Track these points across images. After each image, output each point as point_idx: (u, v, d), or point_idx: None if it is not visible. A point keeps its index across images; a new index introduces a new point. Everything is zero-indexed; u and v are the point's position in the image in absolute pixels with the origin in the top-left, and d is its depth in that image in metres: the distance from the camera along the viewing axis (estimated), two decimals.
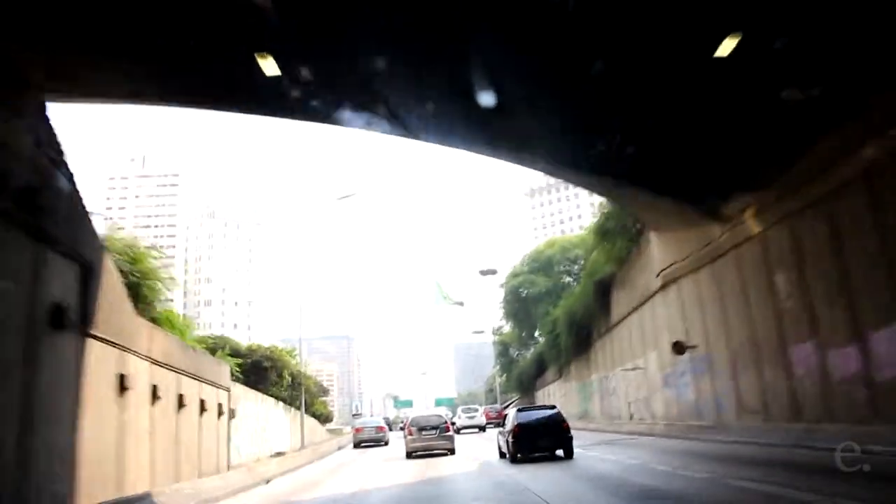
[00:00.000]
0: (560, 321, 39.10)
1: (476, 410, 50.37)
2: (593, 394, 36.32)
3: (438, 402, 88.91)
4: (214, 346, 21.14)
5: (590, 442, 23.52)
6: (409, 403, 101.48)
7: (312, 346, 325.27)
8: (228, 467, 19.03)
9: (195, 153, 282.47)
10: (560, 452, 18.49)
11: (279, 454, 27.12)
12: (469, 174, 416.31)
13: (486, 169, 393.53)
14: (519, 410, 20.10)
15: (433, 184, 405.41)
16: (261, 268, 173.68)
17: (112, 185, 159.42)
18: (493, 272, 71.65)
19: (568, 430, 18.70)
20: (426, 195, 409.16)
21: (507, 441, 19.23)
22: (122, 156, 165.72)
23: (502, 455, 20.15)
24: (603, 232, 29.31)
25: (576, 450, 18.63)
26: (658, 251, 24.71)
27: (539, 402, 49.47)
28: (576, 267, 62.28)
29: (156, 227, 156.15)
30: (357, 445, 37.46)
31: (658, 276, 24.67)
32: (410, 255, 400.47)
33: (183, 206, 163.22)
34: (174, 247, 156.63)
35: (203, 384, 17.23)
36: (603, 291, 31.76)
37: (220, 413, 18.28)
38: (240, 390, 23.13)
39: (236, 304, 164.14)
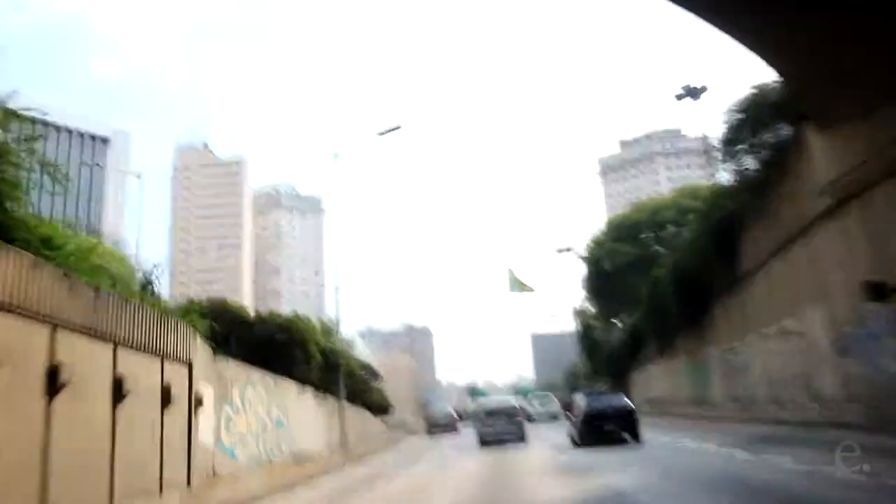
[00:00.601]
0: (663, 282, 31.14)
1: (548, 399, 50.30)
2: (711, 373, 28.27)
3: (518, 392, 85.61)
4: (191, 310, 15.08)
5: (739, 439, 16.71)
6: (484, 394, 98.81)
7: (387, 338, 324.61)
8: (189, 482, 12.43)
9: (256, 135, 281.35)
10: (627, 436, 19.28)
11: (301, 457, 20.60)
12: (536, 156, 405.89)
13: (554, 149, 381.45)
14: (587, 395, 21.46)
15: (499, 169, 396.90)
16: (329, 257, 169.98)
17: (175, 174, 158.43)
18: (570, 250, 64.83)
19: (635, 414, 19.81)
20: (494, 181, 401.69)
21: (576, 427, 20.51)
22: (183, 140, 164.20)
23: (573, 441, 20.98)
24: (729, 141, 21.36)
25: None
26: (823, 157, 16.82)
27: (636, 388, 43.43)
28: (666, 231, 53.92)
29: (220, 216, 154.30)
30: (429, 432, 44.48)
31: (821, 193, 16.84)
32: (482, 241, 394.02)
33: (247, 195, 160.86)
34: (239, 237, 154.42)
35: (128, 352, 10.61)
36: (725, 234, 23.88)
37: (166, 400, 11.65)
38: (231, 370, 16.58)
39: (307, 296, 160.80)
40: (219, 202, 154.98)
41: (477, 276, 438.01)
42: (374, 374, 43.75)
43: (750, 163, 21.43)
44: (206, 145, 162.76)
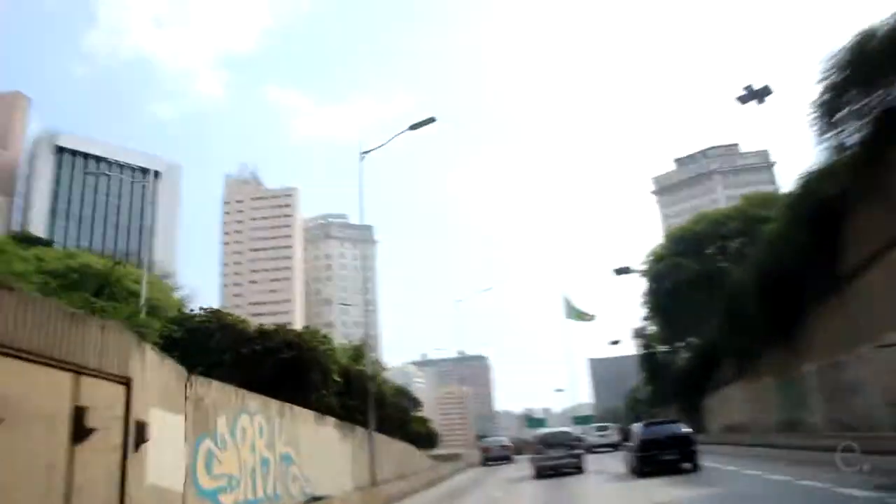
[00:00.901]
0: (741, 291, 26.81)
1: (608, 428, 47.99)
2: (808, 394, 23.76)
3: (576, 421, 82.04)
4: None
5: None
6: (542, 423, 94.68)
7: (444, 368, 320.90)
8: None
9: (306, 167, 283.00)
10: (686, 465, 19.04)
11: (315, 501, 17.15)
12: (589, 177, 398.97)
13: (608, 169, 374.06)
14: (644, 425, 21.05)
15: (554, 192, 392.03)
16: (381, 286, 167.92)
17: (227, 209, 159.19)
18: (629, 271, 60.46)
19: (693, 442, 19.53)
20: (548, 205, 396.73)
21: (633, 456, 20.45)
22: (233, 172, 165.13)
23: (631, 469, 20.82)
24: (827, 109, 17.35)
25: None
26: None
27: (711, 414, 39.51)
28: (732, 244, 49.30)
29: (272, 248, 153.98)
30: (485, 463, 44.70)
31: None
32: (538, 265, 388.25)
33: (298, 225, 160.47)
34: (290, 268, 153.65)
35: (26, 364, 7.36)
36: (822, 224, 19.72)
37: (79, 431, 8.37)
38: (215, 394, 13.32)
39: (356, 324, 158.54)
40: (269, 234, 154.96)
41: (533, 301, 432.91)
42: (415, 402, 40.20)
43: (855, 133, 17.41)
44: (255, 177, 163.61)
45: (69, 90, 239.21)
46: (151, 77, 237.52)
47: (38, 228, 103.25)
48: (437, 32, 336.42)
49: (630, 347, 70.40)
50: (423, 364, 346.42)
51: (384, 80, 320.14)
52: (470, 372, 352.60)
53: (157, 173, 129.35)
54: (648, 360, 62.66)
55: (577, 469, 23.57)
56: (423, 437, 38.51)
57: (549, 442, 24.67)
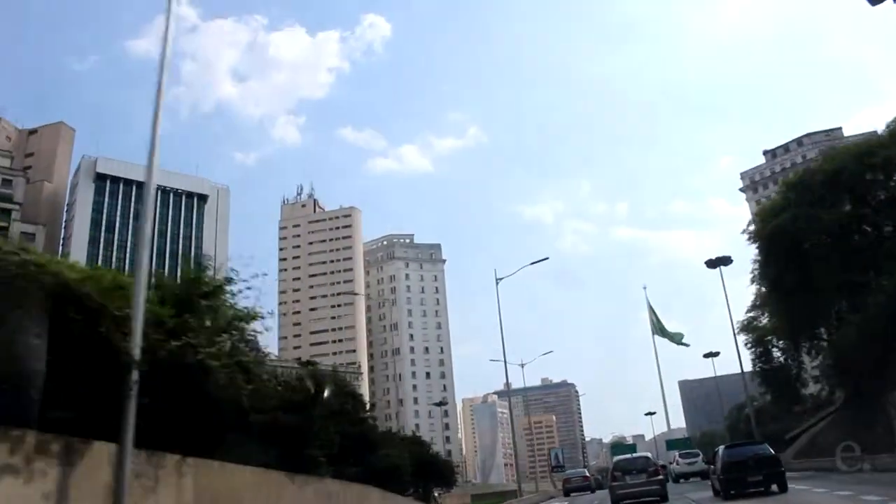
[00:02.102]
0: None
1: (697, 455, 44.18)
2: None
3: (671, 446, 76.27)
4: None
5: None
6: (631, 449, 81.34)
7: (530, 397, 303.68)
8: None
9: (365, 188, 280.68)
10: (774, 487, 18.73)
11: None
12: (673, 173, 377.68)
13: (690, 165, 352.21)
14: (726, 447, 21.05)
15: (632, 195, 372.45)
16: (451, 310, 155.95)
17: (283, 234, 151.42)
18: (728, 261, 49.72)
19: (780, 463, 19.50)
20: (626, 212, 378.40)
21: (717, 479, 20.37)
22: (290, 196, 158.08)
23: (715, 493, 20.90)
24: None
25: None
26: None
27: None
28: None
29: (333, 272, 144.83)
30: (566, 493, 47.29)
31: None
32: (622, 284, 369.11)
33: (359, 247, 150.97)
34: (353, 293, 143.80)
35: None
36: None
37: None
38: None
39: (427, 349, 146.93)
40: (329, 257, 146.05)
41: (617, 323, 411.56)
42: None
43: None
44: (314, 199, 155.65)
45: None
46: (231, 127, 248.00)
47: (79, 256, 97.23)
48: (506, 62, 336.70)
49: (728, 361, 57.50)
50: (507, 394, 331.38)
51: (456, 116, 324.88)
52: (556, 400, 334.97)
53: (203, 197, 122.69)
54: (763, 360, 48.55)
55: (660, 497, 21.68)
56: (439, 475, 26.40)
57: (626, 468, 22.66)
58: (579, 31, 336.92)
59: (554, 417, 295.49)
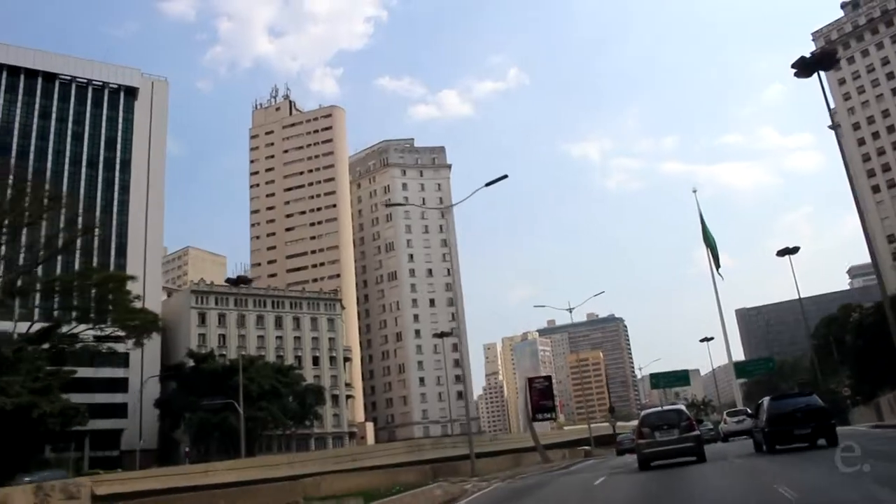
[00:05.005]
0: None
1: (744, 413, 38.95)
2: None
3: (741, 372, 68.71)
4: None
5: None
6: (682, 378, 69.57)
7: (576, 333, 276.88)
8: None
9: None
10: (822, 441, 18.08)
11: None
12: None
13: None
14: (772, 399, 19.77)
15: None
16: (460, 225, 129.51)
17: (255, 143, 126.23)
18: (796, 250, 48.05)
19: (831, 416, 18.64)
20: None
21: (761, 432, 19.61)
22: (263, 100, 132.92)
23: (757, 447, 20.69)
24: None
25: None
26: None
27: None
28: None
29: (311, 183, 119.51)
30: (619, 453, 44.54)
31: None
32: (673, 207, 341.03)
33: (343, 155, 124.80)
34: (335, 205, 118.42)
35: None
36: None
37: None
38: None
39: (430, 272, 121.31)
40: (308, 166, 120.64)
41: (671, 259, 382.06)
42: None
43: None
44: (290, 100, 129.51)
45: (193, 105, 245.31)
46: (269, 82, 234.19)
47: None
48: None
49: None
50: (550, 331, 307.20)
51: (497, 58, 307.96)
52: (603, 336, 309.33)
53: (131, 90, 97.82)
54: None
55: (696, 456, 18.84)
56: None
57: (655, 423, 19.48)
58: None
59: (601, 354, 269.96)
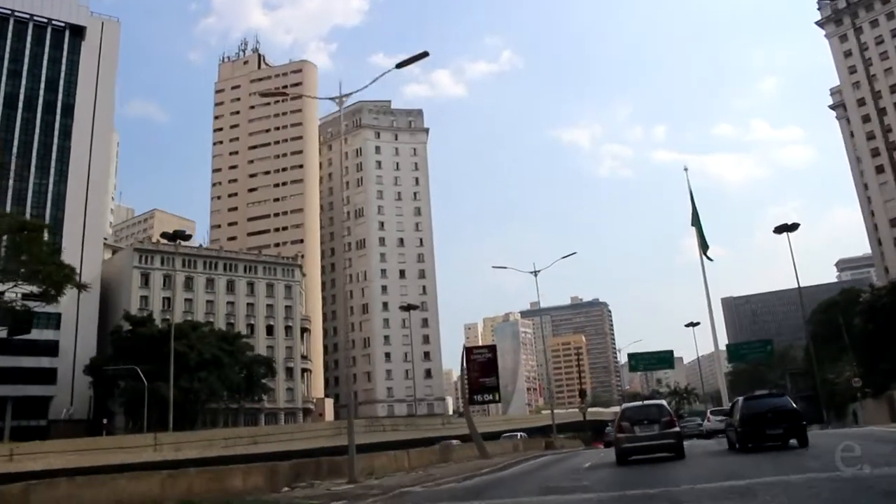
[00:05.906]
0: None
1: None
2: None
3: (735, 355, 67.46)
4: None
5: None
6: (664, 359, 67.62)
7: (559, 316, 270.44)
8: None
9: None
10: (793, 441, 18.14)
11: None
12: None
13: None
14: (745, 399, 20.01)
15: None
16: (435, 190, 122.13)
17: (220, 98, 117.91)
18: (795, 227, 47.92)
19: (802, 417, 18.71)
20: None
21: (734, 431, 19.79)
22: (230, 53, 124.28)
23: (731, 446, 20.60)
24: None
25: None
26: None
27: None
28: None
29: (277, 142, 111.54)
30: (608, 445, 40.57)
31: None
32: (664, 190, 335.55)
33: (311, 114, 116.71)
34: (302, 166, 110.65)
35: None
36: None
37: None
38: None
39: (401, 241, 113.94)
40: (274, 124, 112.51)
41: (658, 246, 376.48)
42: None
43: None
44: (259, 53, 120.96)
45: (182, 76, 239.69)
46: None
47: None
48: None
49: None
50: (533, 314, 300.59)
51: (491, 40, 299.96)
52: (586, 320, 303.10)
53: (77, 29, 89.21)
54: None
55: (675, 452, 18.44)
56: None
57: (634, 417, 19.12)
58: None
59: (583, 338, 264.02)
